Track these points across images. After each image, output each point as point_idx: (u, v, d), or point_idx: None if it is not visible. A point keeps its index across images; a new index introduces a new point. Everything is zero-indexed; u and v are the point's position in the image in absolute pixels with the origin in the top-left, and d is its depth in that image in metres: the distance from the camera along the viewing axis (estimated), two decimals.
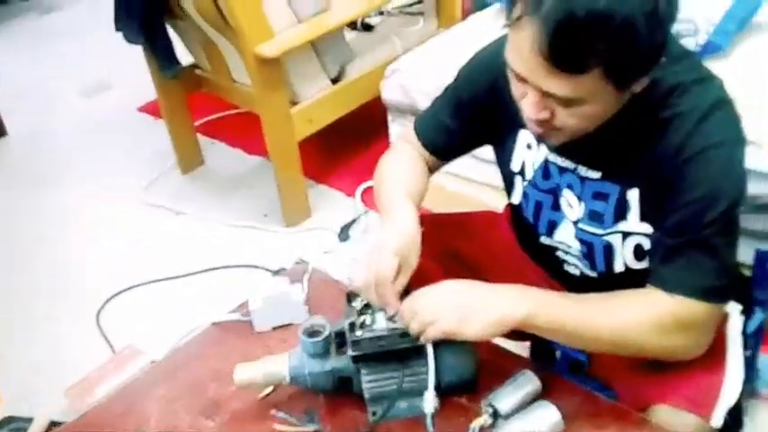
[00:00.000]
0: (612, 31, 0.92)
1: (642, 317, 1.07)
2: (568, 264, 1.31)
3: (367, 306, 1.16)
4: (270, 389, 1.24)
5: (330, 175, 2.82)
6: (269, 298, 1.35)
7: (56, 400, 1.91)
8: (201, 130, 3.16)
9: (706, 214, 1.05)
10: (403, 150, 1.37)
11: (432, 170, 1.37)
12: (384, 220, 1.20)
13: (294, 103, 2.44)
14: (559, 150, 1.20)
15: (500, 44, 1.07)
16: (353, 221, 2.51)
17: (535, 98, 1.04)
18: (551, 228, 1.28)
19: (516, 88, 1.07)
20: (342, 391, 1.19)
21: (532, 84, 1.01)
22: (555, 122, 1.06)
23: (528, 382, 1.14)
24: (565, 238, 1.27)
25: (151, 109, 3.39)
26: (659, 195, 1.09)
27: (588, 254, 1.25)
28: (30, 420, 1.74)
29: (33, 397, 1.98)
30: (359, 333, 1.13)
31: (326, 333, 1.15)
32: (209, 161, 3.06)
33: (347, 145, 2.92)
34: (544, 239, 1.31)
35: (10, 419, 1.75)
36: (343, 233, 2.49)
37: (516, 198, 1.34)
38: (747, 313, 1.39)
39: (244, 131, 3.09)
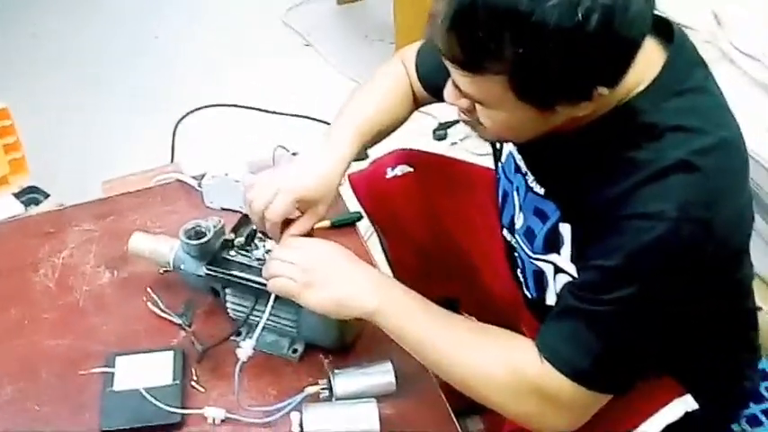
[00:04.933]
0: (515, 35, 0.73)
1: (498, 368, 0.90)
2: (519, 269, 1.13)
3: None
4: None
5: None
6: (217, 180, 1.30)
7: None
8: None
9: (612, 289, 0.84)
10: (397, 73, 1.20)
11: (419, 104, 1.21)
12: (317, 145, 1.08)
13: None
14: (519, 148, 1.01)
15: None
16: (457, 122, 2.31)
17: (451, 84, 0.87)
18: (512, 224, 1.10)
19: None
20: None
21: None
22: (477, 116, 0.88)
23: (382, 377, 1.02)
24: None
25: None
26: (586, 243, 0.90)
27: (523, 271, 1.07)
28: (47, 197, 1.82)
29: (80, 182, 2.09)
30: (232, 253, 1.07)
31: (207, 239, 1.09)
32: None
33: None
34: (505, 233, 1.14)
35: (33, 189, 1.82)
36: (441, 130, 2.29)
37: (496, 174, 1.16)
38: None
39: None
